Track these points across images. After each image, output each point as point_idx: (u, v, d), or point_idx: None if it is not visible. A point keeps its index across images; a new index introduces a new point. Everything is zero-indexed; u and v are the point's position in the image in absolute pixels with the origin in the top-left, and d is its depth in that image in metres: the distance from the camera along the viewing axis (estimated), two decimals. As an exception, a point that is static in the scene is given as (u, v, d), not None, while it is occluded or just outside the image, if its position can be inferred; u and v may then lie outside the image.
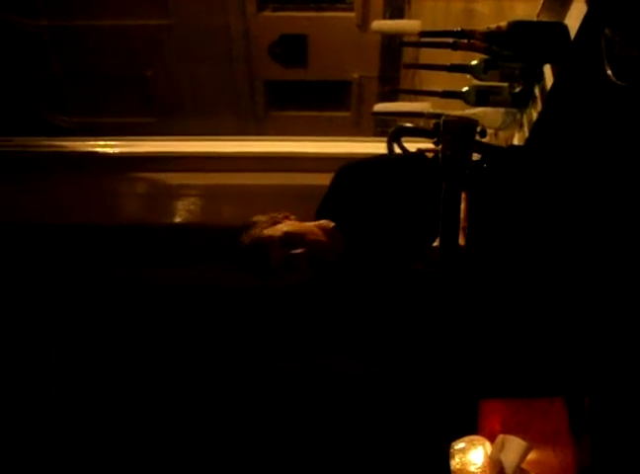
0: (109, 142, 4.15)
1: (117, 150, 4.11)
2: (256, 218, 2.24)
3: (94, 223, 3.98)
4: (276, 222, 2.22)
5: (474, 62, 2.47)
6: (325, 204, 2.34)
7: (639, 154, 1.80)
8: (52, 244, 3.97)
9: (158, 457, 3.78)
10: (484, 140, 2.76)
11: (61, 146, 4.15)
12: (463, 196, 1.94)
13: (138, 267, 4.03)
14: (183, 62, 9.33)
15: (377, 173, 2.34)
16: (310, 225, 2.24)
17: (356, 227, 2.24)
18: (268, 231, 2.18)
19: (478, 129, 2.31)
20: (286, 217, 2.24)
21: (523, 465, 1.91)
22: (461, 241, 1.98)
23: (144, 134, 4.35)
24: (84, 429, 3.86)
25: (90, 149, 4.11)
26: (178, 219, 4.08)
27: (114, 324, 3.99)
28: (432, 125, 2.64)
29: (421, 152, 2.47)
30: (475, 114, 2.61)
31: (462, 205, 1.96)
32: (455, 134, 1.91)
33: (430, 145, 2.57)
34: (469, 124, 1.97)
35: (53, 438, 3.84)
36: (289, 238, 2.16)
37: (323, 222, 2.25)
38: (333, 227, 2.24)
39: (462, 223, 1.96)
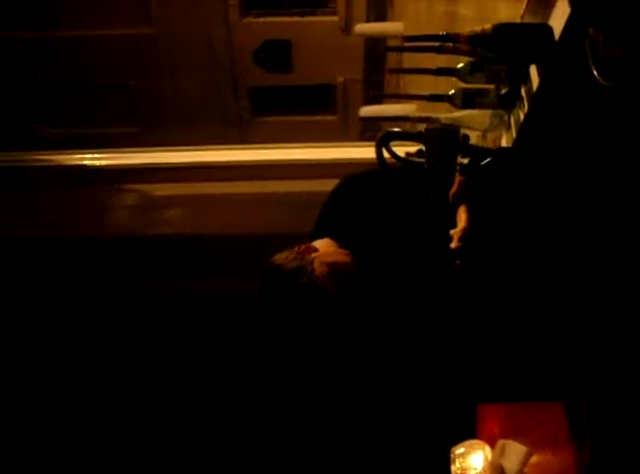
0: (95, 155, 4.13)
1: (103, 162, 4.09)
2: (282, 259, 2.19)
3: (83, 236, 3.96)
4: (307, 258, 2.19)
5: (460, 65, 2.46)
6: (326, 218, 2.32)
7: (626, 154, 1.80)
8: (41, 258, 3.95)
9: (156, 460, 3.79)
10: (472, 143, 2.77)
11: (48, 160, 4.13)
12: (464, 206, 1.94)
13: (129, 279, 4.01)
14: (167, 71, 9.31)
15: (380, 186, 2.33)
16: (335, 250, 2.23)
17: (361, 242, 2.23)
18: (317, 269, 2.16)
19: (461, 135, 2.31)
20: (308, 248, 2.22)
21: (525, 470, 1.90)
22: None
23: (128, 145, 4.34)
24: (86, 436, 3.86)
25: (76, 162, 4.09)
26: (167, 230, 4.06)
27: (105, 336, 3.98)
28: (417, 129, 2.62)
29: (416, 161, 2.45)
30: (462, 116, 2.60)
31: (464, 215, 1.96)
32: (437, 143, 1.92)
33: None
34: (450, 132, 1.98)
35: (50, 443, 3.84)
36: (336, 270, 2.17)
37: (334, 243, 2.23)
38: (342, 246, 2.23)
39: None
